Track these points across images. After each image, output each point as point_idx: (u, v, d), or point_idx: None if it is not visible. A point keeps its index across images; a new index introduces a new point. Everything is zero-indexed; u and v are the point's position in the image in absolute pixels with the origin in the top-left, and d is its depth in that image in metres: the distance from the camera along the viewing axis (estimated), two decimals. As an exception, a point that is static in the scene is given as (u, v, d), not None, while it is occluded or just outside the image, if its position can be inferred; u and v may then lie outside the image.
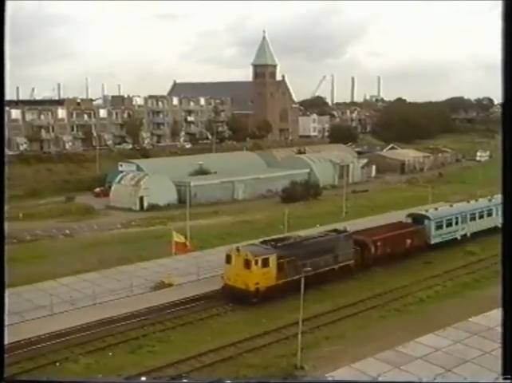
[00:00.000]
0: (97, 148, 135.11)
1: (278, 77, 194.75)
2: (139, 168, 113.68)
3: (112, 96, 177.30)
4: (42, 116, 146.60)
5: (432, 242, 67.45)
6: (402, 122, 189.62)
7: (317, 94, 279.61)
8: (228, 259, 51.42)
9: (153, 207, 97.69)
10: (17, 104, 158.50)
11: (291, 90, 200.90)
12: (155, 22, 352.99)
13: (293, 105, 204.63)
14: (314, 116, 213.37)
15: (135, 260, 60.62)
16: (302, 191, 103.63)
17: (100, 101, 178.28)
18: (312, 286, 49.19)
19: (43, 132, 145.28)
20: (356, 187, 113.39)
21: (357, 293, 53.04)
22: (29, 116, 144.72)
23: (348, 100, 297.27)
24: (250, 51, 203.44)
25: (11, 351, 40.25)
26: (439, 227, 68.35)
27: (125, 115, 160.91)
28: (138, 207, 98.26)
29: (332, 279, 54.93)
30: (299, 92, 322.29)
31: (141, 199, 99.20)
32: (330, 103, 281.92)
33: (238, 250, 51.59)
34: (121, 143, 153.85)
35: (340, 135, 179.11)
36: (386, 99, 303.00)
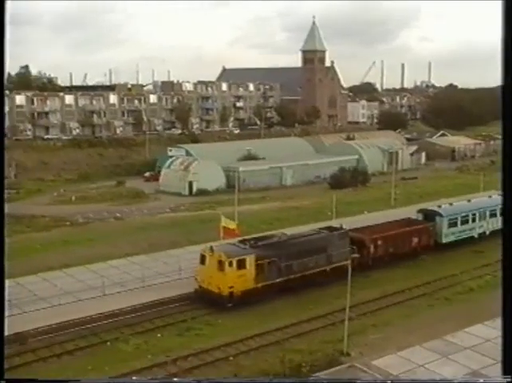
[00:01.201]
0: (147, 133, 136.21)
1: (327, 63, 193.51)
2: (188, 153, 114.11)
3: (163, 82, 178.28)
4: (94, 102, 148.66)
5: (444, 241, 61.55)
6: (453, 108, 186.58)
7: (366, 80, 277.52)
8: (202, 260, 47.24)
9: (202, 192, 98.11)
10: (70, 89, 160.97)
11: (340, 76, 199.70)
12: (207, 9, 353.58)
13: (342, 91, 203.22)
14: (363, 102, 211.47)
15: (183, 244, 61.06)
16: (351, 178, 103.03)
17: (150, 87, 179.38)
18: (301, 289, 47.87)
19: (95, 117, 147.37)
20: (405, 174, 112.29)
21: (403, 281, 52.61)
22: (81, 102, 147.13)
23: (398, 86, 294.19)
24: (300, 37, 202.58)
25: (66, 329, 41.50)
26: (452, 224, 62.35)
27: (175, 100, 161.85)
28: (187, 192, 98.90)
29: (323, 282, 50.10)
30: (348, 78, 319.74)
31: (190, 183, 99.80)
32: (380, 89, 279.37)
33: (211, 249, 47.03)
34: (171, 128, 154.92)
35: (390, 121, 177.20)
36: (437, 85, 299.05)
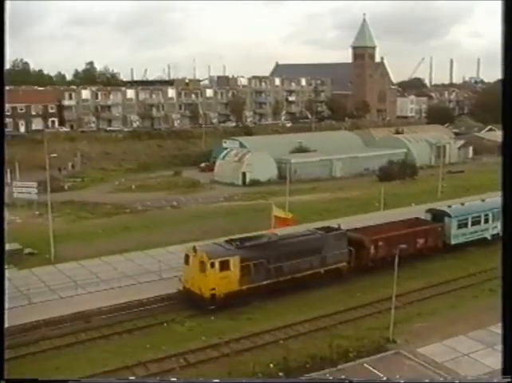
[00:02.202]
0: (203, 125, 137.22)
1: (377, 59, 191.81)
2: (242, 145, 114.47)
3: (218, 77, 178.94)
4: (154, 96, 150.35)
5: (453, 242, 56.80)
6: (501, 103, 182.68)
7: (415, 76, 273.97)
8: (186, 259, 44.32)
9: (255, 183, 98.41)
10: (131, 84, 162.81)
11: (390, 72, 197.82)
12: (263, 7, 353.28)
13: (391, 86, 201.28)
14: (412, 97, 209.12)
15: (236, 232, 60.87)
16: (399, 171, 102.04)
17: (206, 82, 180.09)
18: (292, 292, 44.77)
19: (154, 110, 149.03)
20: (452, 168, 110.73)
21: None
22: (142, 96, 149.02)
23: (447, 82, 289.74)
24: (350, 34, 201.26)
25: (126, 309, 42.11)
26: (462, 225, 57.49)
27: (230, 94, 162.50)
28: (240, 182, 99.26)
29: (317, 284, 46.45)
30: (398, 73, 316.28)
31: (244, 174, 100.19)
32: (428, 84, 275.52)
33: (194, 249, 43.93)
34: (225, 121, 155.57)
35: (438, 116, 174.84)
36: (486, 80, 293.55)
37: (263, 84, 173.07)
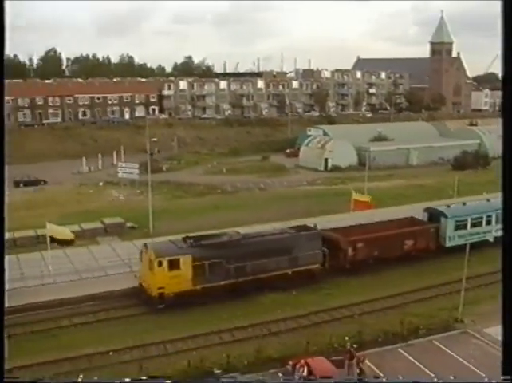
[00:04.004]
0: (289, 114, 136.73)
1: (454, 54, 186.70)
2: (325, 133, 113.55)
3: (304, 70, 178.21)
4: (244, 87, 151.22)
5: (448, 244, 49.06)
6: None
7: (490, 70, 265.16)
8: (141, 256, 40.37)
9: (336, 168, 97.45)
10: (224, 76, 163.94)
11: (465, 66, 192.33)
12: (346, 4, 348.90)
13: (467, 81, 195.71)
14: (487, 91, 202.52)
15: (317, 214, 60.55)
16: (472, 161, 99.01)
17: (293, 74, 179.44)
18: (256, 293, 39.64)
19: (244, 99, 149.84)
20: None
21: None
22: (233, 86, 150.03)
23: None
24: (428, 30, 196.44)
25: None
26: (460, 226, 49.94)
27: (314, 86, 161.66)
28: (323, 168, 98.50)
29: (286, 286, 40.85)
30: (473, 68, 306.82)
31: (326, 160, 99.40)
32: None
33: (145, 246, 39.83)
34: (310, 110, 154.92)
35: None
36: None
37: (345, 76, 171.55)
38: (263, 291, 39.94)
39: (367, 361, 29.34)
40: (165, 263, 37.80)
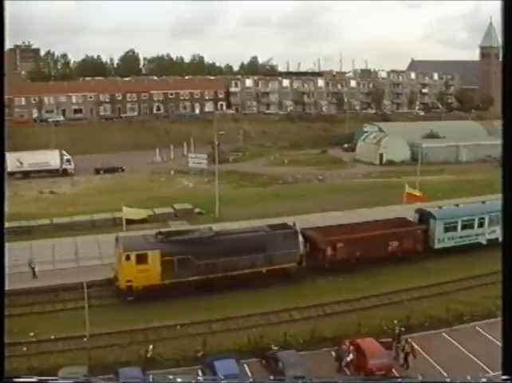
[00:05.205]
0: (347, 111, 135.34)
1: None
2: (380, 130, 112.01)
3: (361, 70, 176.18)
4: (305, 85, 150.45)
5: (437, 246, 45.46)
6: None
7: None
8: (115, 249, 38.95)
9: (390, 163, 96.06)
10: (287, 75, 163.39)
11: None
12: (401, 10, 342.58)
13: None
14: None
15: (371, 205, 59.90)
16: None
17: (351, 74, 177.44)
18: (227, 290, 37.30)
19: (305, 97, 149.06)
20: None
21: None
22: (295, 85, 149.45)
23: None
24: (478, 35, 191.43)
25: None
26: (449, 228, 45.81)
27: (371, 85, 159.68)
28: (377, 162, 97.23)
29: (259, 284, 38.37)
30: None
31: (381, 155, 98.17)
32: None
33: (116, 240, 38.45)
34: (366, 108, 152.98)
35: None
36: None
37: (400, 77, 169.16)
38: (234, 288, 37.53)
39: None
40: (133, 257, 36.54)
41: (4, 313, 3.91)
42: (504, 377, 4.18)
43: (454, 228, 46.17)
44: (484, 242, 46.44)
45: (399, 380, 24.03)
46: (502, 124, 4.08)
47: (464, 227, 46.59)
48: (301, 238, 42.11)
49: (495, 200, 41.15)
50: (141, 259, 36.62)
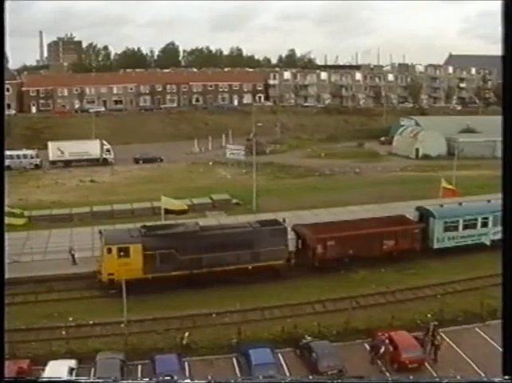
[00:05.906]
0: (384, 105, 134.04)
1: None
2: (417, 124, 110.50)
3: (399, 64, 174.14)
4: (343, 78, 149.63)
5: (436, 246, 43.26)
6: None
7: None
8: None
9: (426, 157, 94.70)
10: (325, 68, 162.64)
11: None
12: (440, 5, 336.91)
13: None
14: None
15: (407, 199, 58.98)
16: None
17: (388, 68, 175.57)
18: (210, 285, 36.24)
19: (343, 90, 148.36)
20: None
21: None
22: (333, 78, 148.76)
23: None
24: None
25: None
26: (450, 227, 43.59)
27: (408, 79, 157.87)
28: (414, 156, 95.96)
29: (245, 280, 37.00)
30: None
31: (417, 149, 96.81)
32: None
33: (100, 233, 38.15)
34: (403, 102, 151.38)
35: None
36: None
37: (438, 71, 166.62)
38: (218, 284, 36.43)
39: None
40: (114, 251, 36.14)
41: (4, 313, 4.02)
42: (505, 377, 4.18)
43: (456, 228, 43.98)
44: (488, 242, 43.82)
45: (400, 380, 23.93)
46: (502, 122, 3.95)
47: (466, 226, 44.34)
48: (293, 235, 40.99)
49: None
50: (123, 253, 36.21)
